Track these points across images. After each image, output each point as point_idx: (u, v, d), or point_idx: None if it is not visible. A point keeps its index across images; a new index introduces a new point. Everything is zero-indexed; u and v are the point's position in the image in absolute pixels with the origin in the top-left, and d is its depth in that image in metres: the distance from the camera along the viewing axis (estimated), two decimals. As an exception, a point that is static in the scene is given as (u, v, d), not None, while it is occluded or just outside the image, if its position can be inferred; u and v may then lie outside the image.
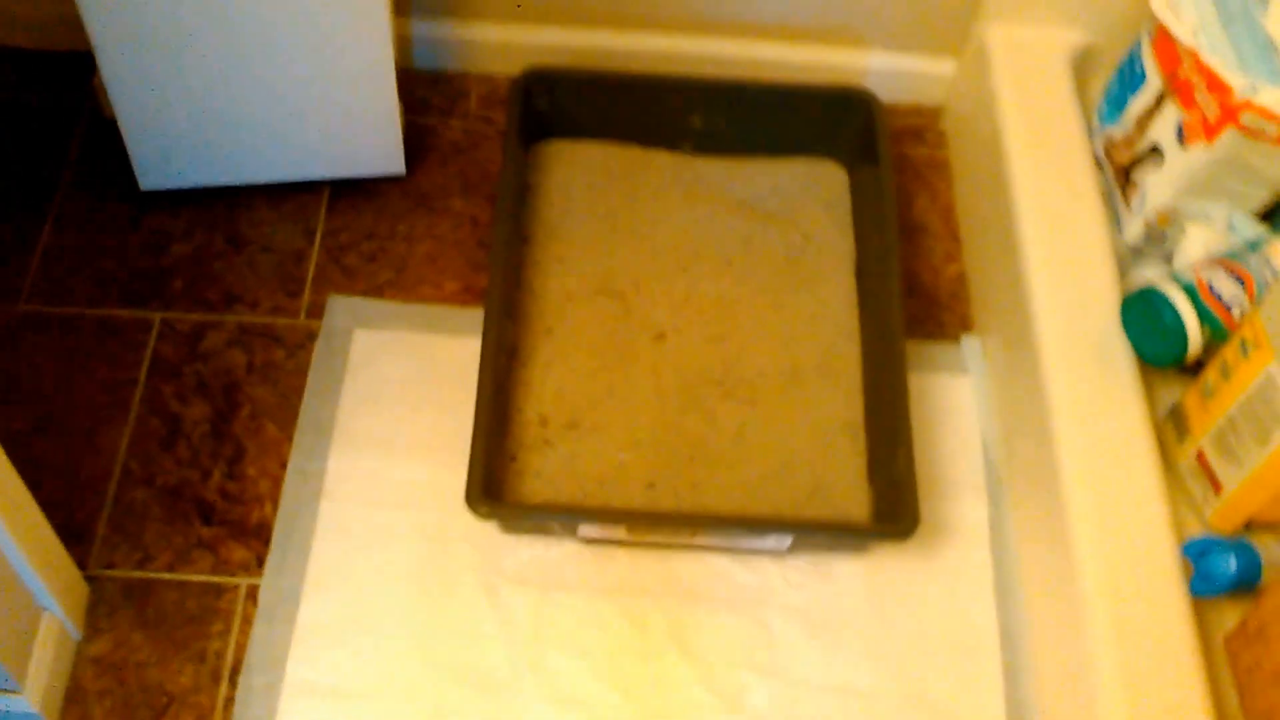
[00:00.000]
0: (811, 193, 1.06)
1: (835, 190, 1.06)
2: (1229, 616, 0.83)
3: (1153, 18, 0.93)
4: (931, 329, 1.03)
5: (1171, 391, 0.91)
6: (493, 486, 0.89)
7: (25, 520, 0.77)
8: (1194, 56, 0.89)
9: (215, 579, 0.89)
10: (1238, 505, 0.85)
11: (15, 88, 1.12)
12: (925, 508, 0.92)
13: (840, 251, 1.03)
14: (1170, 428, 0.90)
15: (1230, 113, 0.87)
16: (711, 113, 1.05)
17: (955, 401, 0.99)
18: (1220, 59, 0.88)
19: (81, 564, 0.88)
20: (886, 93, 1.12)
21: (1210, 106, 0.88)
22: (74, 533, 0.90)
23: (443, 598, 0.88)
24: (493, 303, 0.92)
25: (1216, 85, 0.87)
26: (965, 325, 1.04)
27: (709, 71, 1.08)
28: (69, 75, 1.10)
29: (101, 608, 0.87)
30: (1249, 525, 0.86)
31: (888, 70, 1.12)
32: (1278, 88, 0.86)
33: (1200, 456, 0.87)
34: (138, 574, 0.89)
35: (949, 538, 0.93)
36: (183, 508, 0.92)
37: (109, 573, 0.89)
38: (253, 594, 0.88)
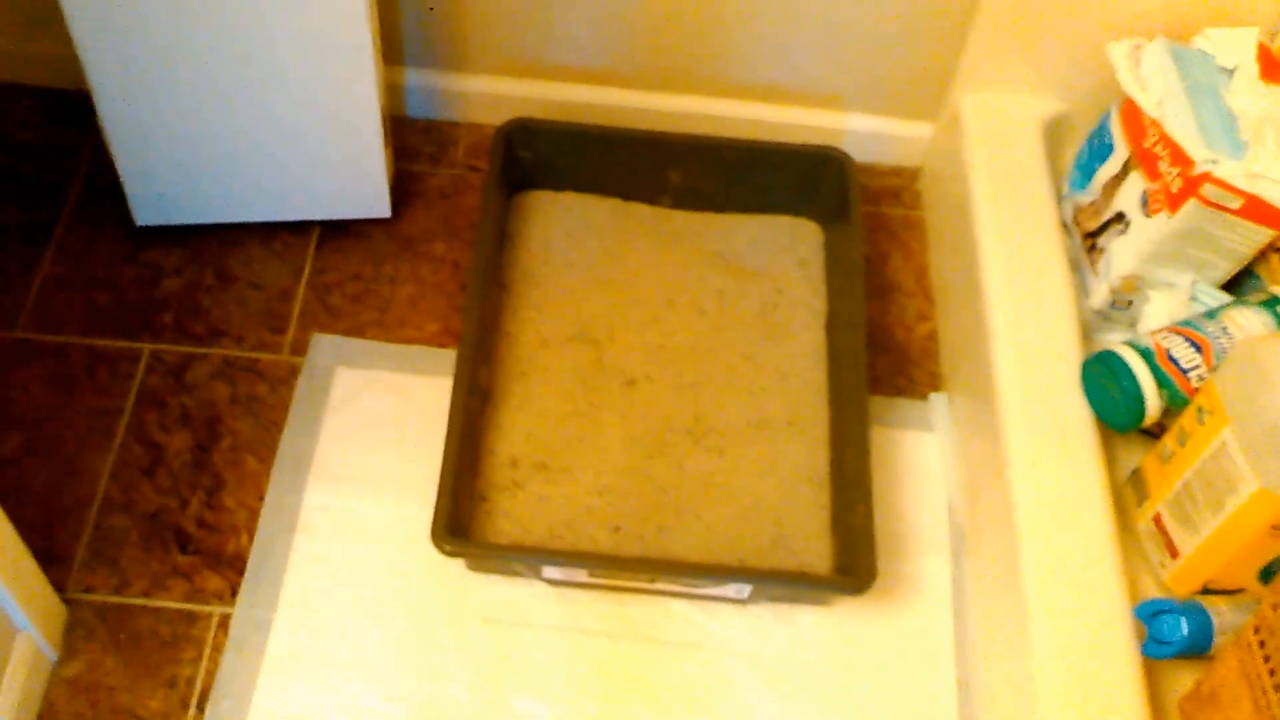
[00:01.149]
0: (787, 249, 1.10)
1: (810, 247, 1.11)
2: (1184, 678, 0.86)
3: (1121, 89, 0.98)
4: (902, 385, 1.07)
5: (1136, 455, 0.95)
6: (462, 525, 0.93)
7: (2, 544, 0.81)
8: (1159, 128, 0.94)
9: (189, 606, 0.93)
10: (1193, 570, 0.88)
11: (25, 124, 1.18)
12: (889, 563, 0.96)
13: (812, 307, 1.07)
14: (1131, 491, 0.94)
15: (1192, 184, 0.91)
16: (691, 169, 1.10)
17: (922, 458, 1.02)
18: (1184, 132, 0.92)
19: (60, 587, 0.92)
20: (866, 154, 1.18)
21: (1173, 178, 0.93)
22: (55, 556, 0.94)
23: (410, 633, 0.92)
24: (465, 346, 0.96)
25: (1179, 157, 0.92)
26: (935, 383, 1.08)
27: (692, 128, 1.13)
28: (76, 112, 1.17)
29: (78, 630, 0.91)
30: (1205, 589, 0.89)
31: (867, 132, 1.18)
32: (1238, 161, 0.90)
33: (1158, 520, 0.90)
34: (114, 599, 0.93)
35: (912, 593, 0.96)
36: (161, 535, 0.96)
37: (87, 596, 0.93)
38: (225, 622, 0.92)
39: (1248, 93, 0.94)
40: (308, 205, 1.09)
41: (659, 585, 0.93)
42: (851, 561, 0.90)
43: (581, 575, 0.92)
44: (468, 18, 1.11)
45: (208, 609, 0.93)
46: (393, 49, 1.14)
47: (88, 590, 0.93)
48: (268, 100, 0.99)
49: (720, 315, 1.06)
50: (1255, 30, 0.98)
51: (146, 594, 0.93)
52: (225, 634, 0.91)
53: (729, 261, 1.09)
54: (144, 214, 1.08)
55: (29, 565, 0.86)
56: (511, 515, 0.95)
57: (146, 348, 1.05)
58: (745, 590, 0.92)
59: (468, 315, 0.98)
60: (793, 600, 0.94)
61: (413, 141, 1.19)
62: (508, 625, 0.93)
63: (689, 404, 1.01)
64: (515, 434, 0.98)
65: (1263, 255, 0.96)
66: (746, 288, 1.08)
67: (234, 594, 0.93)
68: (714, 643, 0.93)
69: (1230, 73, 0.96)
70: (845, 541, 0.93)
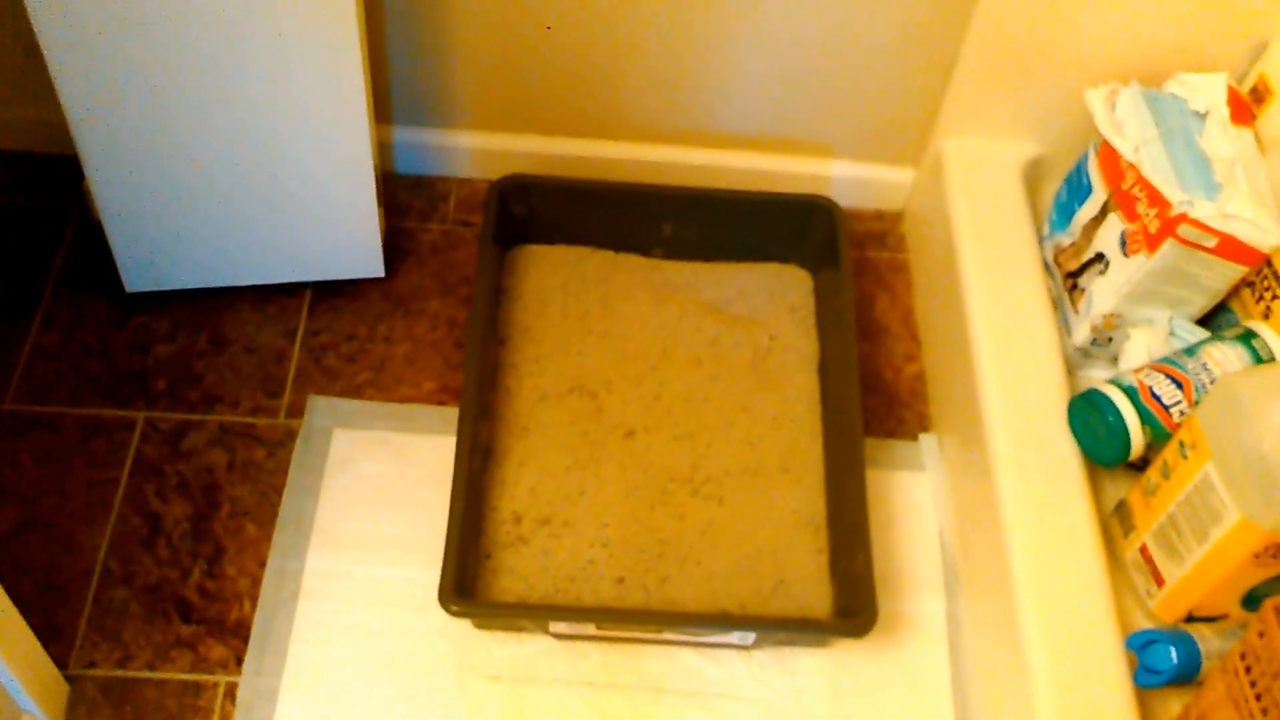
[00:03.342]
0: (778, 296, 1.19)
1: (800, 294, 1.20)
2: (1173, 706, 0.94)
3: (1098, 133, 1.07)
4: (892, 427, 1.16)
5: (1121, 487, 1.03)
6: (468, 584, 0.99)
7: (3, 623, 0.85)
8: (1136, 171, 1.03)
9: (194, 677, 0.98)
10: (1178, 598, 0.97)
11: (6, 190, 1.24)
12: (885, 602, 1.03)
13: (805, 353, 1.16)
14: (1117, 523, 1.02)
15: (1169, 225, 1.00)
16: (682, 220, 1.18)
17: (914, 498, 1.11)
18: (1160, 174, 1.01)
19: (62, 663, 0.97)
20: (850, 199, 1.27)
21: (1151, 219, 1.02)
22: (55, 632, 0.99)
23: (418, 695, 0.98)
24: (466, 404, 1.03)
25: (1156, 199, 1.01)
26: (924, 423, 1.16)
27: (682, 179, 1.22)
28: (59, 178, 1.22)
29: (81, 707, 0.96)
30: (1190, 616, 0.98)
31: (851, 178, 1.27)
32: (1212, 202, 1.00)
33: (1144, 550, 0.99)
34: (118, 673, 0.98)
35: (908, 631, 1.04)
36: (162, 606, 1.01)
37: (89, 672, 0.98)
38: (231, 692, 0.98)
39: (1219, 136, 1.03)
40: (300, 267, 1.16)
41: (664, 635, 1.00)
42: (851, 604, 0.98)
43: (589, 629, 0.99)
44: (455, 75, 1.19)
45: (213, 679, 0.98)
46: (380, 106, 1.21)
47: (90, 665, 0.98)
48: (259, 164, 1.05)
49: (715, 364, 1.14)
50: (1224, 75, 1.07)
51: (150, 666, 0.99)
52: (232, 704, 0.97)
53: (722, 311, 1.18)
54: (134, 280, 1.14)
55: (30, 644, 0.90)
56: (516, 572, 1.02)
57: (141, 416, 1.11)
58: (750, 637, 0.99)
59: (467, 372, 1.05)
60: (795, 644, 1.02)
61: (403, 197, 1.26)
62: (515, 682, 0.99)
63: (687, 454, 1.09)
64: (518, 490, 1.06)
65: (1235, 290, 1.05)
66: (740, 336, 1.16)
67: (239, 663, 0.99)
68: (719, 690, 1.00)
69: (1202, 117, 1.05)
70: (845, 584, 1.01)
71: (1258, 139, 1.06)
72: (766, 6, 1.11)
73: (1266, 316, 1.03)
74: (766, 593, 1.03)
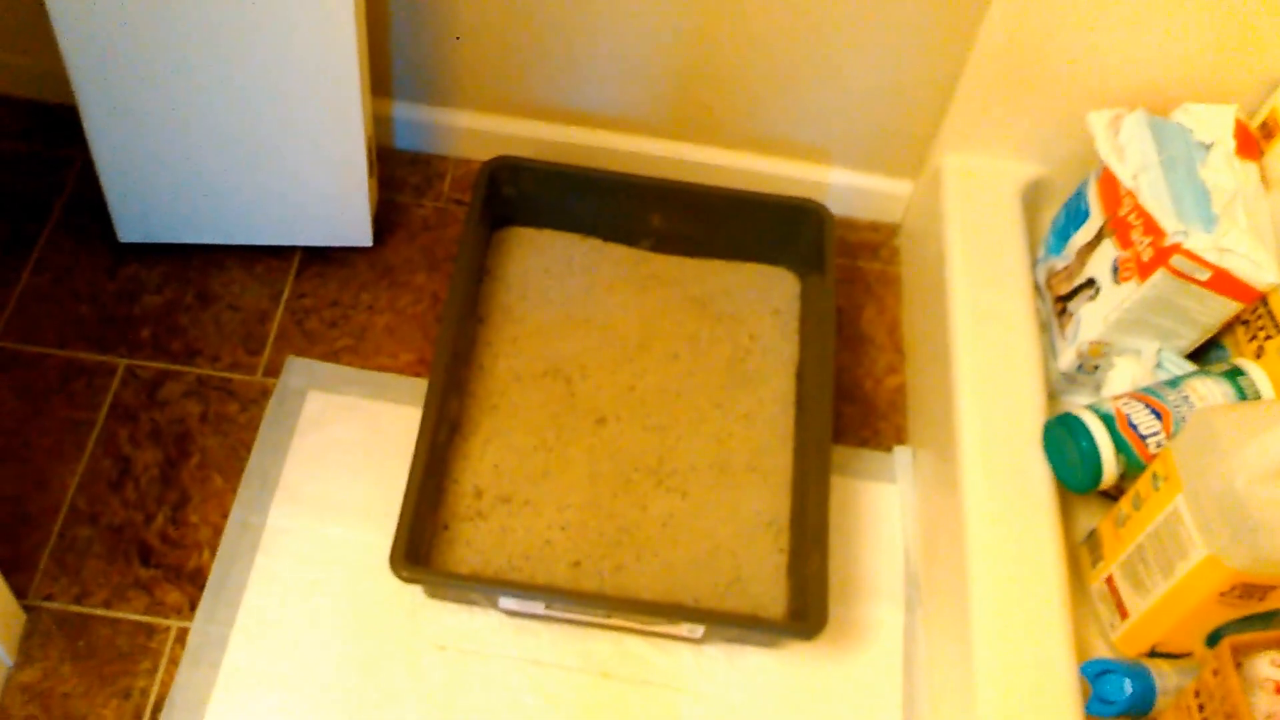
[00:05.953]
0: (762, 297, 1.23)
1: (785, 296, 1.24)
2: (1125, 740, 0.96)
3: (1099, 158, 1.10)
4: (868, 436, 1.19)
5: (1096, 516, 1.06)
6: (423, 553, 1.04)
7: None
8: (1133, 198, 1.06)
9: (148, 619, 1.04)
10: (1141, 632, 0.99)
11: (14, 136, 1.32)
12: (843, 609, 1.07)
13: (784, 356, 1.19)
14: (1087, 551, 1.05)
15: (1162, 255, 1.02)
16: (672, 214, 1.23)
17: (883, 509, 1.14)
18: (1157, 203, 1.04)
19: (21, 593, 1.03)
20: (846, 208, 1.31)
21: (1145, 247, 1.04)
22: (17, 563, 1.05)
23: (364, 657, 1.03)
24: (436, 375, 1.08)
25: (1151, 227, 1.03)
26: (900, 436, 1.19)
27: (679, 175, 1.26)
28: (65, 126, 1.29)
29: (36, 638, 1.02)
30: (1153, 652, 1.00)
31: (849, 187, 1.31)
32: (1208, 234, 1.02)
33: (1109, 581, 1.01)
34: (74, 608, 1.04)
35: (863, 641, 1.07)
36: (124, 548, 1.07)
37: (47, 604, 1.04)
38: (182, 637, 1.03)
39: (1222, 168, 1.06)
40: (291, 231, 1.22)
41: (614, 621, 1.04)
42: (804, 607, 1.01)
43: (538, 608, 1.03)
44: (458, 55, 1.25)
45: (166, 622, 1.04)
46: (383, 82, 1.28)
47: (48, 598, 1.04)
48: (254, 126, 1.11)
49: (693, 359, 1.18)
50: (1233, 108, 1.10)
51: (106, 605, 1.04)
52: (182, 648, 1.02)
53: (705, 307, 1.22)
54: (127, 231, 1.21)
55: (-12, 572, 0.96)
56: (472, 545, 1.06)
57: (122, 362, 1.17)
58: (698, 630, 1.03)
59: (440, 345, 1.10)
60: (745, 642, 1.05)
61: (399, 173, 1.32)
62: (462, 654, 1.03)
63: (655, 445, 1.13)
64: (482, 465, 1.10)
65: (1228, 327, 1.07)
66: (720, 333, 1.20)
67: (193, 609, 1.04)
68: (665, 680, 1.03)
69: (1207, 148, 1.08)
70: (799, 587, 1.04)
71: (1263, 176, 1.08)
72: (773, 9, 1.16)
73: (1259, 356, 1.05)
74: (721, 589, 1.06)
